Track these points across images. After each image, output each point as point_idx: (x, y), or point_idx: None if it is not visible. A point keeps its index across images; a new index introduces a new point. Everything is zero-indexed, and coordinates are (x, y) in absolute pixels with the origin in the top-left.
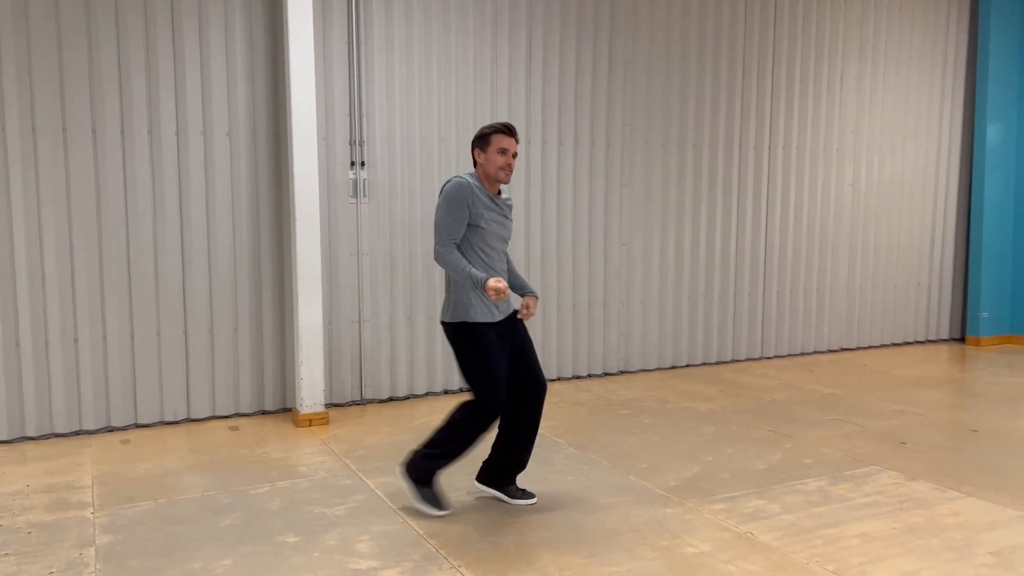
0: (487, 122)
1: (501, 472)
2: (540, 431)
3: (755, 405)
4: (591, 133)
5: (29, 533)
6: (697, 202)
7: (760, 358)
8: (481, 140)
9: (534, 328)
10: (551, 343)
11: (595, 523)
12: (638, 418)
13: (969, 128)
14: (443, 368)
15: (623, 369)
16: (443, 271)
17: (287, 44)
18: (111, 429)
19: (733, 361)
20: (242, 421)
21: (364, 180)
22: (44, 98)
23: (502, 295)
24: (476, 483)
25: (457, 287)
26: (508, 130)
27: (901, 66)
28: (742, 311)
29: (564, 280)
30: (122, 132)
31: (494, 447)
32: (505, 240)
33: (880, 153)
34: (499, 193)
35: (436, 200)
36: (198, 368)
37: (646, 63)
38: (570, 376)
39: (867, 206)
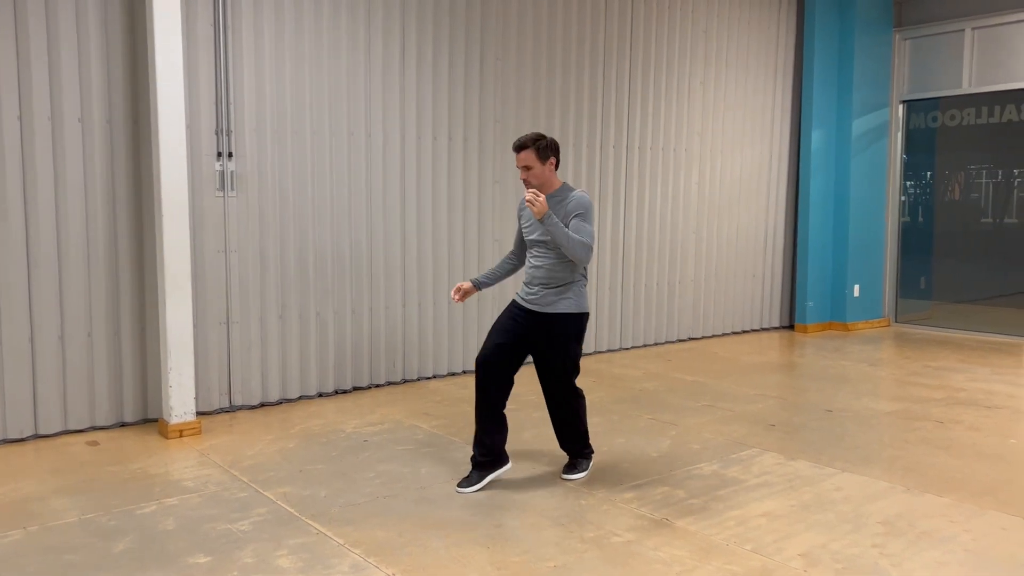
0: (361, 116)
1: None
2: (432, 430)
3: (630, 395)
4: (464, 129)
5: None
6: None
7: (620, 349)
8: None
9: (409, 326)
10: (427, 340)
11: (517, 520)
12: (525, 412)
13: (796, 133)
14: (317, 370)
15: None
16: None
17: (152, 24)
18: None
19: (596, 352)
20: (100, 435)
21: (232, 172)
22: None
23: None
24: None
25: (575, 282)
26: (513, 147)
27: (740, 74)
28: (603, 304)
29: (439, 276)
30: None
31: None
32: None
33: (722, 155)
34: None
35: (309, 195)
36: (47, 379)
37: (516, 66)
38: (445, 373)
39: (710, 204)
